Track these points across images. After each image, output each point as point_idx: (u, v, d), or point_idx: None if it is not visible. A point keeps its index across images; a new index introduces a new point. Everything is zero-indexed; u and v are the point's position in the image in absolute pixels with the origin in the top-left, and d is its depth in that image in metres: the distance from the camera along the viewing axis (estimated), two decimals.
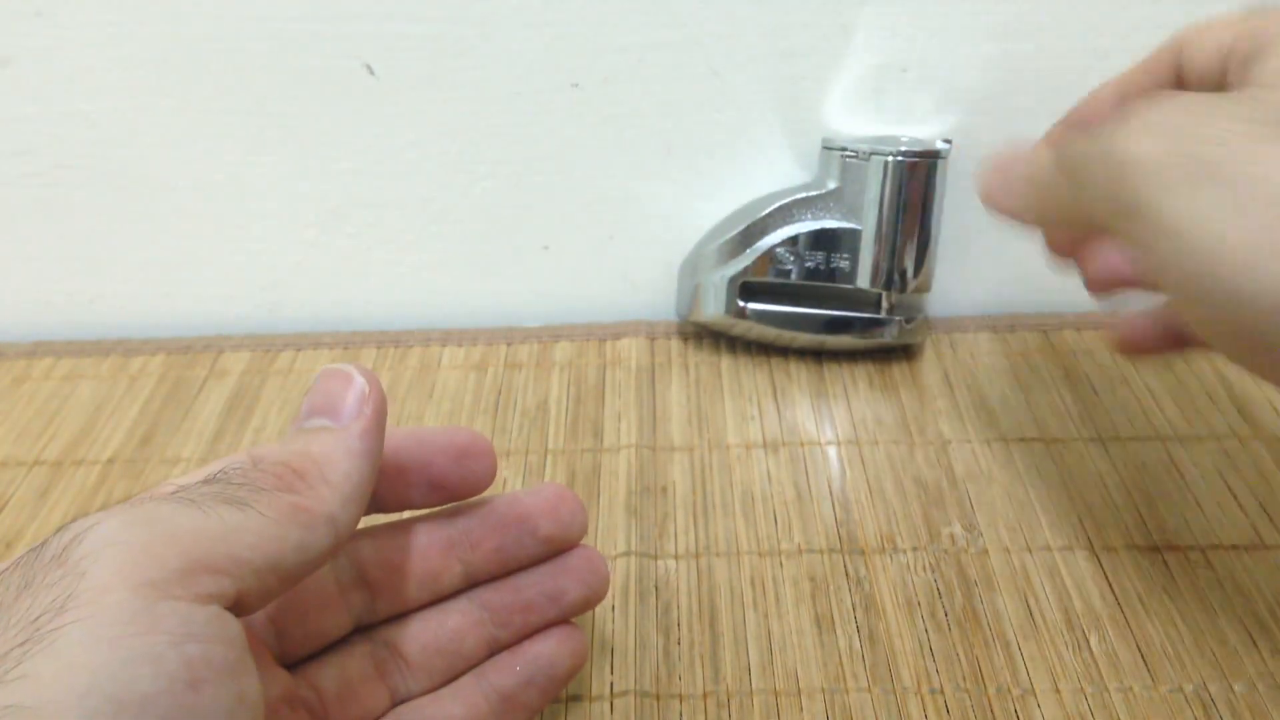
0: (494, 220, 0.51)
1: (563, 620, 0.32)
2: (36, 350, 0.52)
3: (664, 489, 0.43)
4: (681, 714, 0.34)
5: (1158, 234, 0.26)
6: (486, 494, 0.31)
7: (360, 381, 0.27)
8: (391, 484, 0.29)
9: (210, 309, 0.53)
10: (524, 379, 0.49)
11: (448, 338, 0.52)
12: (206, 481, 0.24)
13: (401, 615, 0.31)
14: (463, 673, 0.31)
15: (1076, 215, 0.30)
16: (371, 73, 0.46)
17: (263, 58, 0.46)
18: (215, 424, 0.47)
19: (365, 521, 0.28)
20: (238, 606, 0.22)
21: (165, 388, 0.49)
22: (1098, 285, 0.32)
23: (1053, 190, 0.31)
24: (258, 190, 0.50)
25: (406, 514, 0.31)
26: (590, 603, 0.32)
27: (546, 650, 0.31)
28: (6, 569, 0.21)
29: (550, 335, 0.52)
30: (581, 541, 0.32)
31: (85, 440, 0.46)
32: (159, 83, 0.47)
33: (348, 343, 0.52)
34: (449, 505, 0.31)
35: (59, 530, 0.21)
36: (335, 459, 0.26)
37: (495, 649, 0.31)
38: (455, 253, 0.52)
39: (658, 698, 0.34)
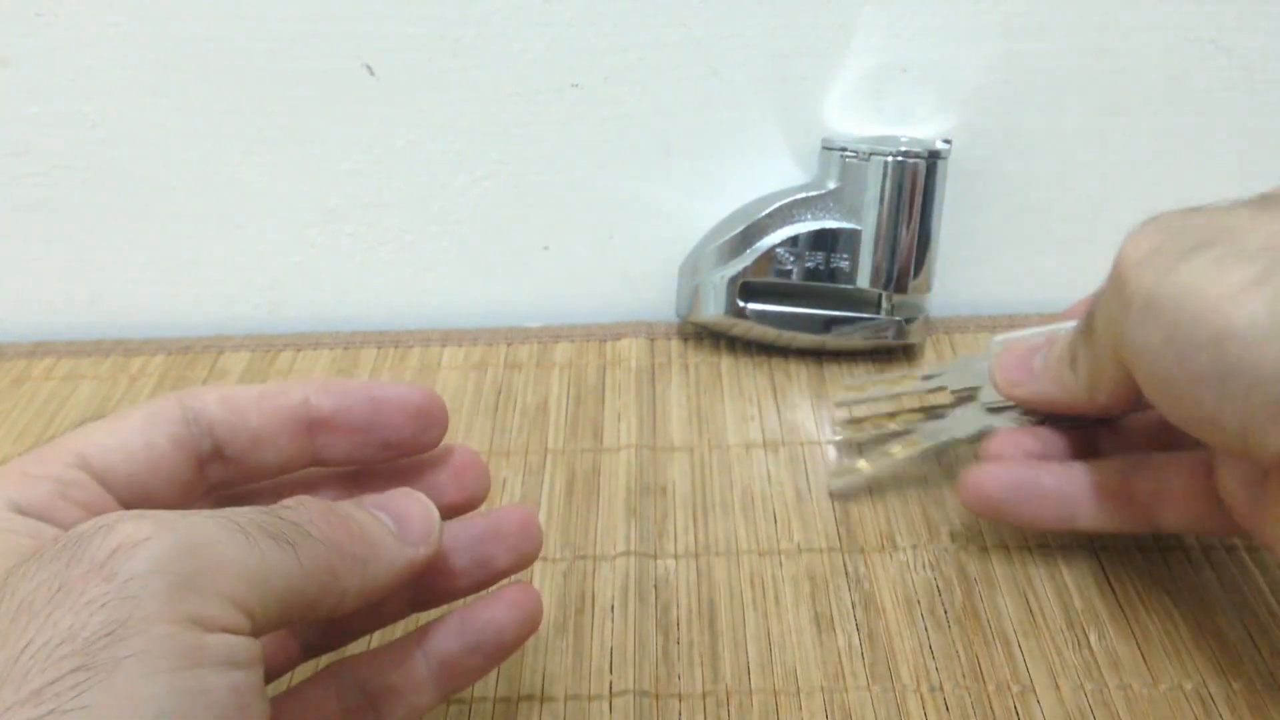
0: (494, 220, 0.51)
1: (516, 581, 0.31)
2: (37, 350, 0.52)
3: (664, 489, 0.43)
4: (680, 713, 0.34)
5: (1149, 308, 0.29)
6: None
7: (436, 521, 0.28)
8: (344, 442, 0.30)
9: (210, 309, 0.53)
10: (524, 379, 0.49)
11: (448, 338, 0.52)
12: (262, 511, 0.24)
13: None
14: None
15: (1097, 374, 0.34)
16: (371, 73, 0.46)
17: (263, 58, 0.46)
18: None
19: None
20: (255, 633, 0.22)
21: (165, 388, 0.49)
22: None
23: (1071, 366, 0.35)
24: (258, 190, 0.50)
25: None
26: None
27: (495, 618, 0.30)
28: (33, 563, 0.21)
29: (550, 335, 0.52)
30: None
31: None
32: (159, 83, 0.47)
33: (348, 343, 0.52)
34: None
35: (97, 528, 0.21)
36: (380, 557, 0.26)
37: None
38: (455, 253, 0.52)
39: (657, 697, 0.34)
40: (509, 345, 0.52)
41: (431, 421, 0.30)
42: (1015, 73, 0.46)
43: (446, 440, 0.31)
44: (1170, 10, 0.45)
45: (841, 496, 0.42)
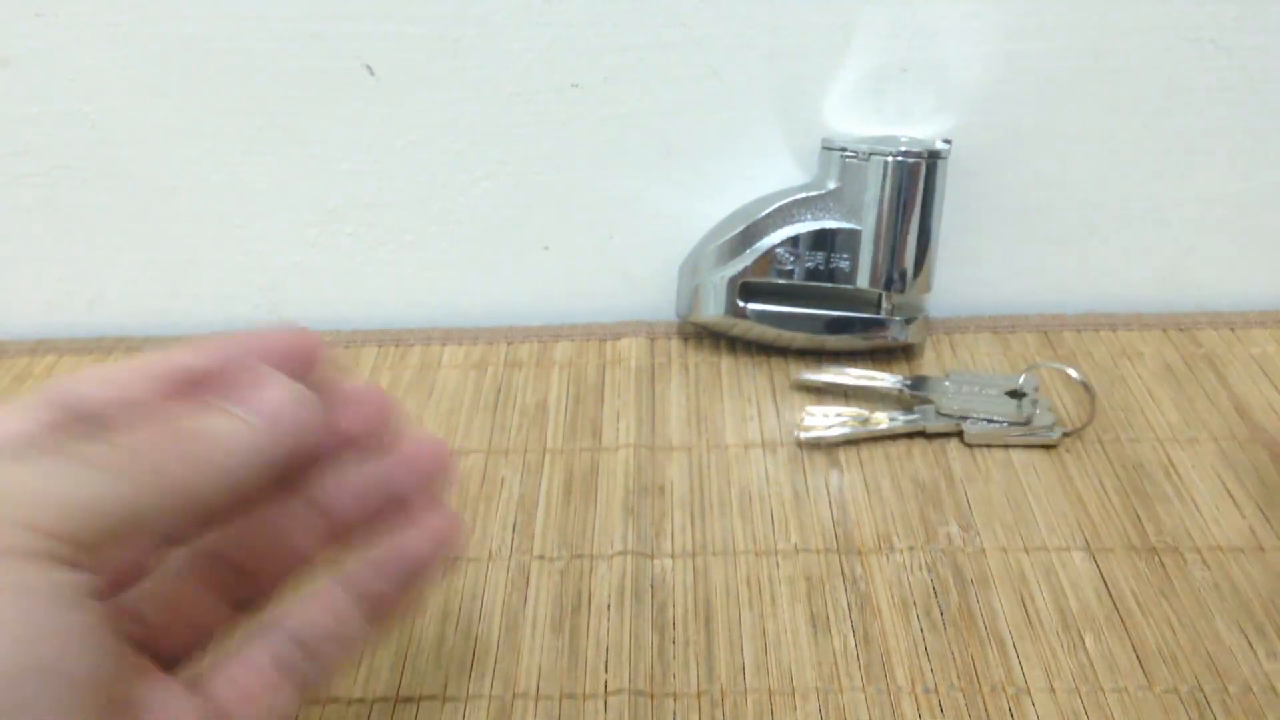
0: (494, 220, 0.51)
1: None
2: (38, 348, 0.52)
3: (661, 488, 0.43)
4: (675, 713, 0.34)
5: None
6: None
7: (302, 397, 0.26)
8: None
9: (210, 309, 0.53)
10: (524, 378, 0.49)
11: (448, 337, 0.52)
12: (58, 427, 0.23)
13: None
14: None
15: None
16: (371, 73, 0.46)
17: (263, 58, 0.46)
18: None
19: None
20: (85, 561, 0.22)
21: None
22: None
23: None
24: (258, 190, 0.50)
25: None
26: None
27: (415, 546, 0.29)
28: None
29: (550, 335, 0.52)
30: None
31: None
32: (159, 83, 0.47)
33: (348, 342, 0.52)
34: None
35: None
36: (231, 448, 0.25)
37: None
38: (455, 253, 0.52)
39: (652, 696, 0.34)
40: (509, 345, 0.52)
41: (309, 359, 0.29)
42: (1015, 73, 0.46)
43: (447, 441, 0.31)
44: (1170, 10, 0.44)
45: (807, 447, 0.45)
